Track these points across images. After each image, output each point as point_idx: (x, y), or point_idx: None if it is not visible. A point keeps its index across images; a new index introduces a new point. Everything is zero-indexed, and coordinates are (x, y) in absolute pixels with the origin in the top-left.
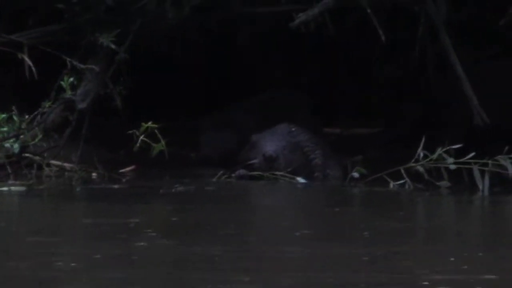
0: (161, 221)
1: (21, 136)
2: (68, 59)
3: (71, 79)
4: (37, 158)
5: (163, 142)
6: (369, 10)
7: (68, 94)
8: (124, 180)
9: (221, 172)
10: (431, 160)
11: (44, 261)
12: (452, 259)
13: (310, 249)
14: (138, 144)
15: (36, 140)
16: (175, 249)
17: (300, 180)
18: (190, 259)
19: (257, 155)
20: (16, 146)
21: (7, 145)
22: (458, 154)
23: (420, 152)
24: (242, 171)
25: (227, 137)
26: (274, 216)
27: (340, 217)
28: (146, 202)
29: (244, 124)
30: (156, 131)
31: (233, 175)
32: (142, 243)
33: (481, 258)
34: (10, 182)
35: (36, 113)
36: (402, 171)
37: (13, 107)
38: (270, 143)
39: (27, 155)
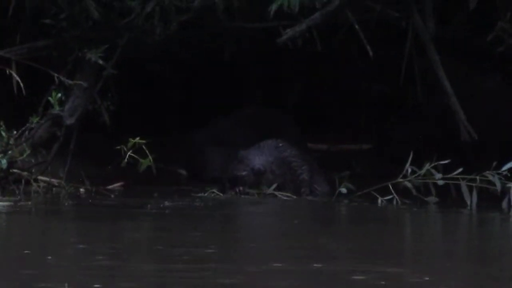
0: (145, 242)
1: (9, 152)
2: (55, 74)
3: (59, 94)
4: (25, 173)
5: (150, 157)
6: (356, 26)
7: (56, 109)
8: (112, 196)
9: (211, 189)
10: (419, 175)
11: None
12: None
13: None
14: (125, 160)
15: (24, 155)
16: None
17: (286, 196)
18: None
19: (246, 169)
20: (3, 161)
21: None
22: (446, 169)
23: (408, 168)
24: (239, 188)
25: (227, 156)
26: (260, 235)
27: (326, 235)
28: (133, 220)
29: (234, 140)
30: (143, 146)
31: (231, 192)
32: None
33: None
34: None
35: (24, 128)
36: (390, 186)
37: (1, 123)
38: (259, 158)
39: (14, 170)
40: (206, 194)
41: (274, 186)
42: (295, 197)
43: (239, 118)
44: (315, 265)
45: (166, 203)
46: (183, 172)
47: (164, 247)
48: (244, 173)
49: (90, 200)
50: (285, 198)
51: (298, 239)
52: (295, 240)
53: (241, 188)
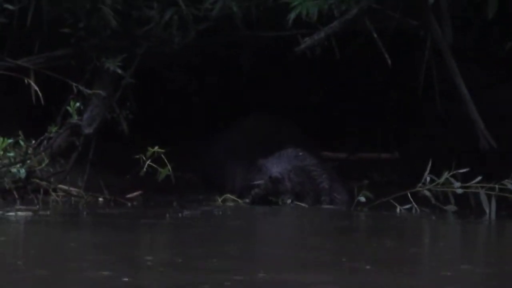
0: (164, 251)
1: (28, 161)
2: (74, 84)
3: (78, 104)
4: (43, 183)
5: (169, 166)
6: (375, 34)
7: (75, 119)
8: (130, 205)
9: (230, 197)
10: (437, 184)
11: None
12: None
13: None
14: (144, 169)
15: (43, 165)
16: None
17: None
18: None
19: (263, 177)
20: (22, 171)
21: (13, 170)
22: (466, 178)
23: (427, 176)
24: (256, 191)
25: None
26: (277, 245)
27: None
28: (151, 231)
29: (250, 151)
30: (162, 155)
31: (247, 200)
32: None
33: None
34: (16, 207)
35: (42, 138)
36: (409, 195)
37: (20, 132)
38: (276, 166)
39: (33, 180)
40: (225, 203)
41: (289, 200)
42: (313, 206)
43: (250, 129)
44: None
45: (185, 213)
46: (201, 180)
47: (183, 260)
48: (261, 181)
49: (108, 210)
50: (303, 206)
51: (321, 251)
52: (319, 253)
53: (259, 197)
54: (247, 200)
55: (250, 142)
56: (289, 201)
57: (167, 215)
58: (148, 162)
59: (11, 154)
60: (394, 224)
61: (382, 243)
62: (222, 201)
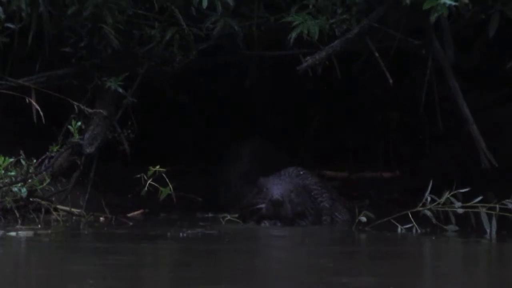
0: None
1: (29, 180)
2: (75, 103)
3: (79, 123)
4: (44, 202)
5: (170, 186)
6: (376, 54)
7: (76, 138)
8: (131, 224)
9: (231, 218)
10: (438, 204)
11: None
12: None
13: None
14: (146, 188)
15: (44, 184)
16: None
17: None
18: None
19: (264, 200)
20: (23, 190)
21: (15, 189)
22: (466, 197)
23: (428, 196)
24: (258, 213)
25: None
26: (277, 266)
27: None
28: (153, 251)
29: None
30: (163, 175)
31: (249, 221)
32: None
33: None
34: (17, 226)
35: (43, 157)
36: (410, 215)
37: (21, 151)
38: (277, 187)
39: (34, 199)
40: (226, 224)
41: (293, 213)
42: (314, 225)
43: (253, 151)
44: None
45: (186, 233)
46: (204, 200)
47: (185, 283)
48: (262, 205)
49: (110, 229)
50: (305, 226)
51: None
52: (320, 277)
53: (261, 218)
54: (250, 221)
55: (253, 164)
56: (279, 224)
57: (168, 234)
58: (149, 181)
59: (12, 173)
60: (395, 244)
61: (384, 264)
62: (225, 222)
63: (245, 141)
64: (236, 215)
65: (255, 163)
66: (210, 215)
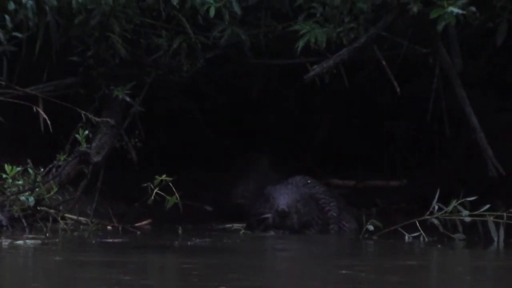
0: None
1: (36, 189)
2: (82, 112)
3: (86, 132)
4: (52, 211)
5: (177, 195)
6: (384, 62)
7: (83, 147)
8: (139, 233)
9: (238, 227)
10: (445, 212)
11: None
12: None
13: None
14: (152, 197)
15: (52, 193)
16: None
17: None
18: None
19: (271, 210)
20: (31, 199)
21: (22, 198)
22: (474, 206)
23: (435, 205)
24: (265, 223)
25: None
26: (283, 277)
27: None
28: (161, 259)
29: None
30: (170, 183)
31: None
32: None
33: None
34: (25, 235)
35: (51, 166)
36: (417, 223)
37: (28, 160)
38: (283, 197)
39: (42, 208)
40: (234, 233)
41: (300, 223)
42: (321, 234)
43: (262, 163)
44: None
45: (194, 242)
46: (209, 208)
47: None
48: (269, 215)
49: (117, 238)
50: (312, 235)
51: (328, 283)
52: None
53: (268, 228)
54: (256, 231)
55: (260, 180)
56: (287, 233)
57: (176, 243)
58: (156, 190)
59: (20, 182)
60: (402, 253)
61: (392, 273)
62: (232, 232)
63: (251, 155)
64: (244, 225)
65: (262, 179)
66: (217, 224)
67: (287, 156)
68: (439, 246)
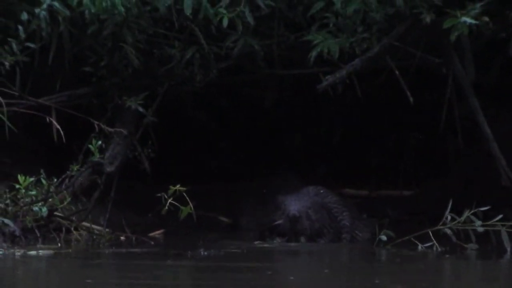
0: None
1: (50, 200)
2: (95, 122)
3: (99, 142)
4: (65, 221)
5: (191, 205)
6: (397, 72)
7: (96, 157)
8: (152, 243)
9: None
10: (458, 222)
11: None
12: None
13: None
14: (166, 207)
15: (65, 203)
16: None
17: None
18: None
19: (282, 216)
20: (44, 209)
21: (35, 208)
22: (486, 215)
23: (448, 215)
24: (277, 231)
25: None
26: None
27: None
28: (173, 271)
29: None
30: (184, 194)
31: (271, 240)
32: None
33: None
34: (38, 245)
35: (64, 176)
36: (430, 233)
37: (41, 171)
38: (294, 203)
39: (55, 218)
40: (247, 242)
41: (308, 237)
42: (333, 243)
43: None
44: None
45: (207, 252)
46: (225, 219)
47: None
48: (280, 221)
49: (130, 248)
50: (325, 244)
51: None
52: None
53: (280, 236)
54: (269, 239)
55: (274, 188)
56: (303, 239)
57: (189, 253)
58: (169, 200)
59: (33, 192)
60: (416, 263)
61: (406, 283)
62: (245, 240)
63: (271, 176)
64: (257, 233)
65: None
66: (231, 233)
67: (301, 166)
68: (450, 256)
